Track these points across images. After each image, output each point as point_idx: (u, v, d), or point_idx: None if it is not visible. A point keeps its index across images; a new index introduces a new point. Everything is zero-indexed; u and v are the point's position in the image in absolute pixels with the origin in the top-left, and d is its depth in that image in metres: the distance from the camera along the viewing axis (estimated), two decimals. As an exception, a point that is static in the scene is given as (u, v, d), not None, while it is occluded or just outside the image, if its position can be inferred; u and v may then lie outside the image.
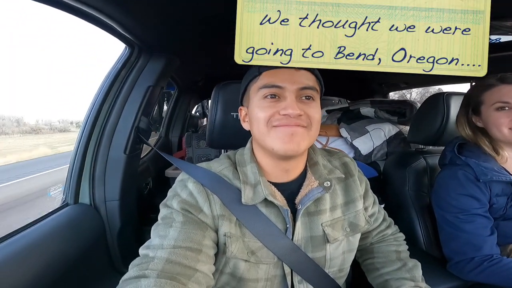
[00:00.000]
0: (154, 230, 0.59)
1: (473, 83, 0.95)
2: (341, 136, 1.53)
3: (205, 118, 3.59)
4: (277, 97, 0.59)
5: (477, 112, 0.89)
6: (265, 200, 0.61)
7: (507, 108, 0.82)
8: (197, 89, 2.37)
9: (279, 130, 0.57)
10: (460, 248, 0.85)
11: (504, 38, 1.13)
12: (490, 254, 0.81)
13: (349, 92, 2.51)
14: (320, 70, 0.63)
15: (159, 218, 0.62)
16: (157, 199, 1.47)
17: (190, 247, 0.55)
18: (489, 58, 1.19)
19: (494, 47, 1.17)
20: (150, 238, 0.58)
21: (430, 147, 1.29)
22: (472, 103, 0.91)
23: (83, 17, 0.75)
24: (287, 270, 0.63)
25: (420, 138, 1.15)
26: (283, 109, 0.56)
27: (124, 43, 0.96)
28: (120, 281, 0.50)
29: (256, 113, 0.59)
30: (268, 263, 0.62)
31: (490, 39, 1.16)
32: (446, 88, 2.25)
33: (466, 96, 0.94)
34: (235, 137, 0.84)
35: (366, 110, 1.64)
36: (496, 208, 0.85)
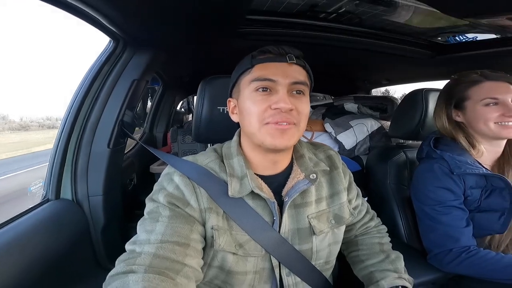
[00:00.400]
0: (141, 225, 0.58)
1: (455, 77, 0.98)
2: (325, 131, 1.57)
3: (191, 114, 3.56)
4: (268, 90, 0.59)
5: (460, 107, 0.91)
6: (252, 192, 0.62)
7: (494, 103, 0.85)
8: (183, 84, 2.34)
9: (271, 127, 0.58)
10: (438, 239, 0.88)
11: (481, 37, 1.17)
12: (467, 246, 0.84)
13: (333, 89, 2.55)
14: (308, 61, 0.64)
15: (145, 213, 0.61)
16: (142, 195, 1.46)
17: (177, 241, 0.55)
18: (467, 56, 1.23)
19: (471, 45, 1.22)
20: (135, 234, 0.57)
21: (410, 141, 1.34)
22: (455, 98, 0.93)
23: (67, 9, 0.73)
24: (275, 262, 0.64)
25: (400, 133, 1.19)
26: (275, 103, 0.57)
27: (109, 36, 0.94)
28: (107, 276, 0.50)
29: (248, 106, 0.60)
30: (256, 256, 0.62)
31: (467, 37, 1.21)
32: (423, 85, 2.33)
33: (447, 91, 0.96)
34: (221, 131, 0.84)
35: (350, 106, 1.68)
36: (470, 200, 0.88)
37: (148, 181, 1.71)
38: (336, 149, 1.48)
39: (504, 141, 0.91)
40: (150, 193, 0.63)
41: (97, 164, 1.00)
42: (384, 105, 1.65)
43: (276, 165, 0.66)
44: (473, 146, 0.89)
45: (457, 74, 0.96)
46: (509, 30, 0.93)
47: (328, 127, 1.54)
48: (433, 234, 0.90)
